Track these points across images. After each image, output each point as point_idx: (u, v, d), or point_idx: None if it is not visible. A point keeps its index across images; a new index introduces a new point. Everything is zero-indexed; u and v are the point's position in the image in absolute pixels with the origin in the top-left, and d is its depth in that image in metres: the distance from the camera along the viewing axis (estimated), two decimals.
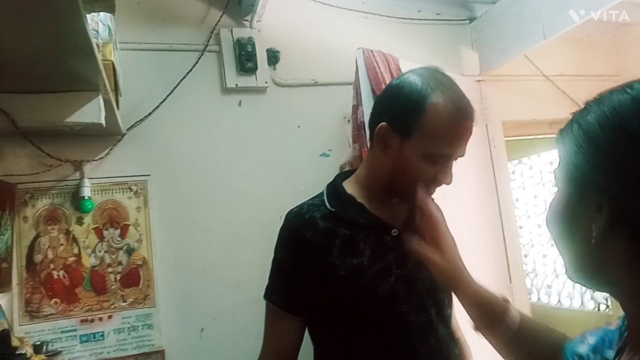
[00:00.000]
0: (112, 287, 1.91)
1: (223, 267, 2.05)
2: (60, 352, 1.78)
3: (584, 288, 3.27)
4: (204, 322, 2.01)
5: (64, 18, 0.96)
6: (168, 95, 2.06)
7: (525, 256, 3.90)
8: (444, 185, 0.96)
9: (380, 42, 2.13)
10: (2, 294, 1.69)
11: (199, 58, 2.12)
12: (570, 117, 0.55)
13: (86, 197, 1.87)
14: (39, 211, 1.86)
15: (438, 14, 2.55)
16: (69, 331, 1.83)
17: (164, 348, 1.92)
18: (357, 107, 1.98)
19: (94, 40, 1.14)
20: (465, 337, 1.09)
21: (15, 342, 1.50)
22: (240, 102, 2.19)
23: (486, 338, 0.82)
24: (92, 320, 1.87)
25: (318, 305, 0.99)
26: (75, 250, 1.89)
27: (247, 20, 2.21)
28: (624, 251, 0.48)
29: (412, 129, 0.91)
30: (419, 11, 2.51)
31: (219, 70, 2.17)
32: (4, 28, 0.99)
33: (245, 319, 2.00)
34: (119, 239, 1.94)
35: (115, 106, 1.63)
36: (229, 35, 2.18)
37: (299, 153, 2.22)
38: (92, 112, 1.45)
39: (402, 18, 2.46)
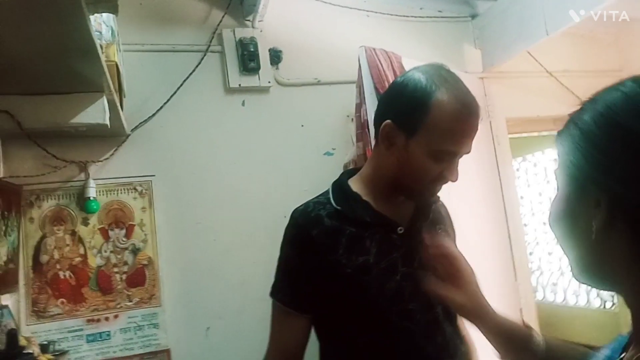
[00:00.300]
0: (118, 287, 1.92)
1: (228, 266, 2.06)
2: (67, 351, 1.79)
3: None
4: (210, 321, 2.01)
5: (67, 19, 0.97)
6: (172, 96, 2.07)
7: (531, 254, 3.88)
8: (448, 183, 0.96)
9: (383, 40, 2.13)
10: (9, 295, 1.70)
11: (202, 58, 2.13)
12: (568, 118, 0.56)
13: (91, 198, 1.88)
14: (45, 212, 1.87)
15: (440, 11, 2.54)
16: (76, 331, 1.85)
17: (170, 347, 1.93)
18: (360, 105, 1.98)
19: (97, 42, 1.14)
20: (470, 335, 1.09)
21: (22, 342, 1.51)
22: (243, 102, 2.20)
23: None
24: (98, 320, 1.88)
25: (324, 303, 0.98)
26: (81, 251, 1.89)
27: (249, 20, 2.22)
28: (624, 247, 0.49)
29: (417, 127, 0.91)
30: (421, 9, 2.50)
31: (221, 70, 2.18)
32: (8, 30, 0.99)
33: (250, 318, 1.99)
34: (124, 239, 1.95)
35: (119, 107, 1.63)
36: (231, 36, 2.18)
37: (303, 152, 2.23)
38: (96, 113, 1.46)
39: (404, 16, 2.46)
